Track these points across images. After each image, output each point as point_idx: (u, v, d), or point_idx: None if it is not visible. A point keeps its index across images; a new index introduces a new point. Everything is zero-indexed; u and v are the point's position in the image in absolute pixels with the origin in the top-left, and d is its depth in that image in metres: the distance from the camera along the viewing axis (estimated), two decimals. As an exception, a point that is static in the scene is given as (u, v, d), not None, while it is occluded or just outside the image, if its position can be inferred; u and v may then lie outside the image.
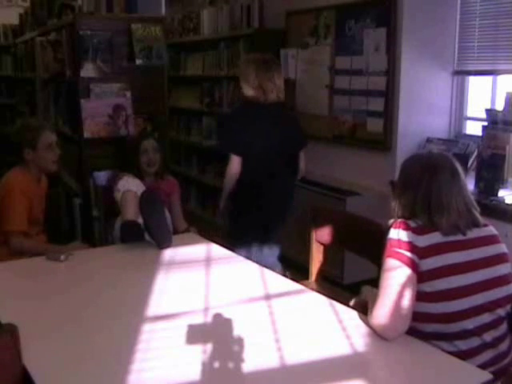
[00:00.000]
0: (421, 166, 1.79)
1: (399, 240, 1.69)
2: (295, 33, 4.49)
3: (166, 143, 3.78)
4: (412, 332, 1.70)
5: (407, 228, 1.70)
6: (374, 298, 1.71)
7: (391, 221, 1.76)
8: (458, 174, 1.77)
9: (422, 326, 1.70)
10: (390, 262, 1.68)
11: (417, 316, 1.68)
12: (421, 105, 3.71)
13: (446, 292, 1.66)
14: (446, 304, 1.67)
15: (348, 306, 1.93)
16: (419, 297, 1.67)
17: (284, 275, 2.38)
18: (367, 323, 1.74)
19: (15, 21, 6.63)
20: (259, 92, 3.02)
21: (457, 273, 1.68)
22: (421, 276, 1.66)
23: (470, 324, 1.68)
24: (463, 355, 1.66)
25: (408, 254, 1.66)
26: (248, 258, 2.60)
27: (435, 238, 1.70)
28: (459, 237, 1.72)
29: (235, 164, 3.00)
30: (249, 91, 3.06)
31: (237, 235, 3.12)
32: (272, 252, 3.18)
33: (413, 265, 1.66)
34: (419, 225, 1.71)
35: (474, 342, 1.70)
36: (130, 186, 2.83)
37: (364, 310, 1.80)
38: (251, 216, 3.11)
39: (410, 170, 1.82)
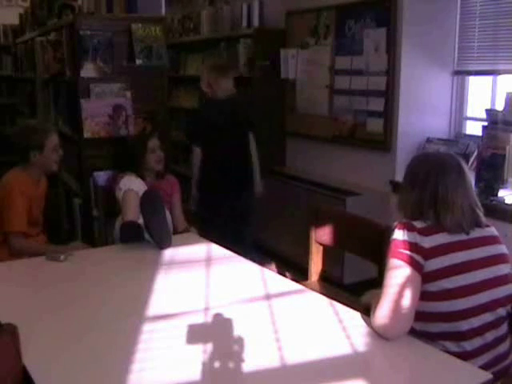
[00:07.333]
0: (428, 165, 1.79)
1: (404, 241, 1.68)
2: (295, 33, 4.49)
3: (166, 143, 3.78)
4: (418, 332, 1.70)
5: (412, 229, 1.70)
6: (378, 298, 1.71)
7: (395, 223, 1.76)
8: (464, 174, 1.77)
9: (429, 325, 1.70)
10: (395, 263, 1.68)
11: (422, 316, 1.68)
12: (421, 105, 3.71)
13: (451, 291, 1.67)
14: (452, 303, 1.67)
15: (349, 306, 1.92)
16: (424, 296, 1.67)
17: (283, 275, 2.37)
18: (369, 324, 1.74)
19: (15, 21, 6.63)
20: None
21: (461, 272, 1.68)
22: (426, 276, 1.66)
23: (474, 323, 1.69)
24: (467, 356, 1.66)
25: (413, 254, 1.66)
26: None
27: (440, 238, 1.70)
28: (463, 236, 1.73)
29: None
30: None
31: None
32: None
33: (417, 265, 1.66)
34: (425, 225, 1.71)
35: (477, 342, 1.70)
36: (132, 186, 2.83)
37: (367, 311, 1.80)
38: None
39: (417, 170, 1.82)
